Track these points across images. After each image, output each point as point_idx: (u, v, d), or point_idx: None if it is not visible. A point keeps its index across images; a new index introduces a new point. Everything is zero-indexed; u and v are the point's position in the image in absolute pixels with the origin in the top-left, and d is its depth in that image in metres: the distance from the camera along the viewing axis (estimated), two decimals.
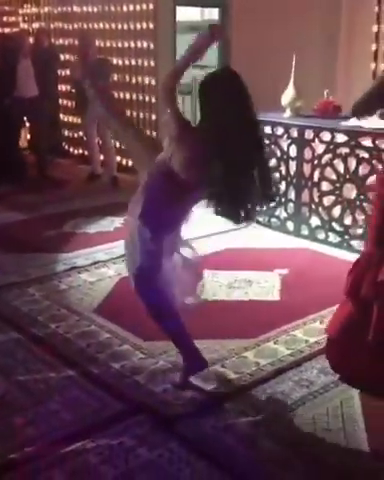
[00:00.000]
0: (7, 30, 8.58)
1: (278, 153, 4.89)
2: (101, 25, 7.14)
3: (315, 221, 4.77)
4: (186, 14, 13.39)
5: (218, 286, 4.01)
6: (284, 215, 4.95)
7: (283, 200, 4.93)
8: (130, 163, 7.11)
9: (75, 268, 4.32)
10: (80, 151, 7.73)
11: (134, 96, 6.97)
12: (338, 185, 4.56)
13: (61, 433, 2.62)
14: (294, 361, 3.14)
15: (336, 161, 4.55)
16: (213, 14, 13.67)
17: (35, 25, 8.05)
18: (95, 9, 7.20)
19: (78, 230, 5.15)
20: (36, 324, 3.55)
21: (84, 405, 2.80)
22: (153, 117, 6.89)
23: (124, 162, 7.15)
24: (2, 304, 3.82)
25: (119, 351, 3.26)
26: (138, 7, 6.76)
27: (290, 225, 4.93)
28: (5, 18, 8.72)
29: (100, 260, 4.46)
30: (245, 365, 3.11)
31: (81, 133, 7.45)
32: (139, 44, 6.81)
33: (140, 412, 2.75)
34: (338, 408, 2.76)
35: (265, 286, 4.00)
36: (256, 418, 2.70)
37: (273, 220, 5.04)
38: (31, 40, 7.18)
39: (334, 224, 4.66)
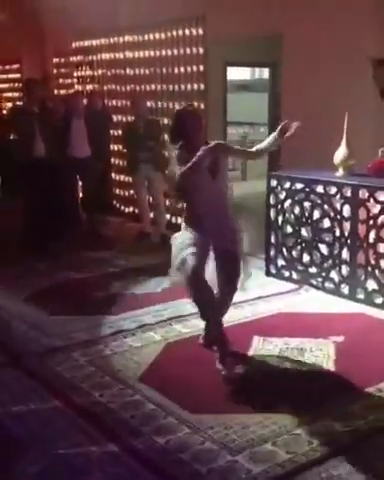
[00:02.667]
0: (63, 92, 8.88)
1: (331, 213, 4.74)
2: (153, 87, 7.26)
3: (371, 284, 4.55)
4: (237, 73, 13.73)
5: (269, 354, 3.81)
6: (338, 278, 4.75)
7: (337, 262, 4.74)
8: (179, 221, 7.09)
9: (121, 332, 4.21)
10: (131, 209, 7.76)
11: None
12: None
13: None
14: (351, 440, 2.90)
15: None
16: (263, 73, 13.94)
17: (89, 87, 8.27)
18: (147, 71, 7.34)
19: (125, 291, 5.07)
20: (79, 392, 3.43)
21: None
22: None
23: (173, 220, 7.11)
24: (45, 369, 3.72)
25: (164, 424, 3.09)
26: (189, 69, 6.85)
27: (345, 288, 4.72)
28: (61, 80, 9.03)
29: (146, 323, 4.34)
30: (297, 444, 2.89)
31: (132, 191, 7.49)
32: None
33: None
34: None
35: (319, 355, 3.77)
36: None
37: (327, 283, 4.84)
38: (85, 101, 7.34)
39: None
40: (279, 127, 3.69)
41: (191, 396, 3.37)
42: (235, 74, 13.40)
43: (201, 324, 4.06)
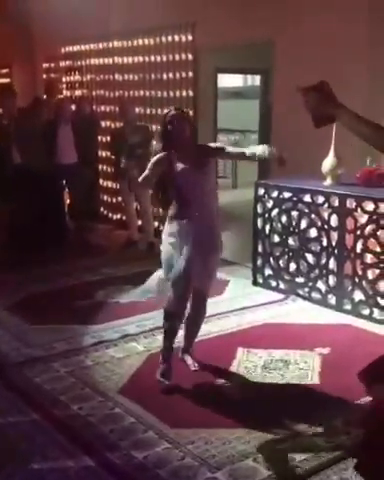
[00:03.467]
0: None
1: (318, 223, 4.68)
2: (142, 93, 7.21)
3: (358, 295, 4.49)
4: (229, 80, 13.70)
5: (252, 367, 3.74)
6: (325, 288, 4.69)
7: (324, 272, 4.68)
8: None
9: (103, 342, 4.13)
10: (118, 216, 7.69)
11: None
12: (383, 257, 4.30)
13: None
14: (335, 457, 2.83)
15: (380, 232, 4.31)
16: (255, 80, 13.90)
17: (78, 92, 8.21)
18: (136, 77, 7.29)
19: (110, 300, 4.99)
20: (58, 404, 3.36)
21: None
22: None
23: (161, 227, 7.04)
24: (24, 381, 3.64)
25: (143, 439, 3.02)
26: (178, 75, 6.80)
27: (332, 299, 4.66)
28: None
29: (129, 333, 4.26)
30: (280, 460, 2.82)
31: (120, 198, 7.42)
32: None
33: None
34: None
35: (303, 367, 3.71)
36: None
37: (314, 293, 4.78)
38: (73, 107, 7.28)
39: (379, 299, 4.37)
40: (276, 154, 3.55)
41: (171, 409, 3.31)
42: (227, 81, 13.38)
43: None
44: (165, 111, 3.64)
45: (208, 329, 4.30)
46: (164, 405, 3.34)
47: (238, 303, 4.84)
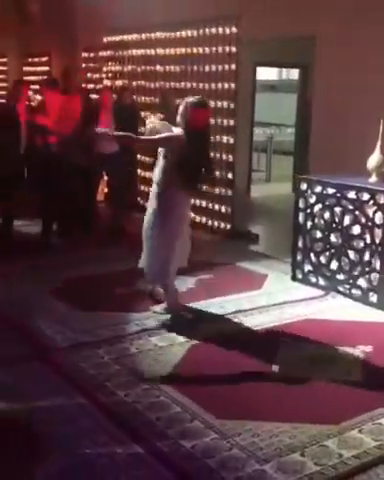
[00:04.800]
0: (91, 86, 8.86)
1: (363, 220, 4.66)
2: (182, 84, 7.21)
3: None
4: (264, 73, 13.67)
5: (295, 361, 3.76)
6: (367, 286, 4.67)
7: (366, 269, 4.67)
8: (205, 220, 7.05)
9: (146, 330, 4.18)
10: None
11: (212, 155, 6.92)
12: None
13: None
14: (382, 455, 2.84)
15: None
16: (291, 73, 13.85)
17: (118, 82, 8.24)
18: (177, 69, 7.30)
19: (149, 288, 5.02)
20: (104, 390, 3.40)
21: None
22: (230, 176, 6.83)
23: (198, 219, 7.07)
24: (70, 365, 3.69)
25: (190, 428, 3.05)
26: (220, 68, 6.79)
27: (373, 297, 4.64)
28: (90, 74, 9.02)
29: (172, 322, 4.30)
30: (327, 456, 2.83)
31: None
32: (219, 104, 6.80)
33: None
34: None
35: (347, 364, 3.71)
36: None
37: (354, 290, 4.77)
38: (114, 97, 7.31)
39: None
40: None
41: (216, 400, 3.33)
42: (262, 74, 13.35)
43: (228, 327, 4.04)
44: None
45: (249, 322, 4.33)
46: (208, 395, 3.37)
47: (277, 298, 4.84)
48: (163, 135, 4.23)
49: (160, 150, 4.28)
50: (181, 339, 4.06)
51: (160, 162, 4.28)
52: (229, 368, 3.67)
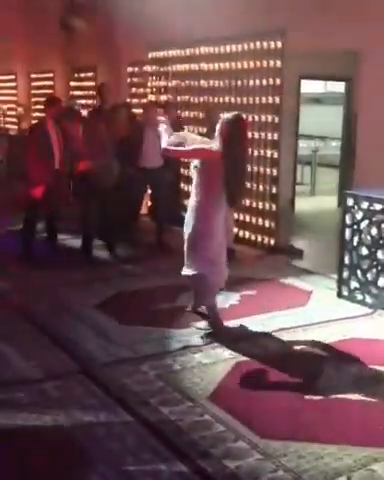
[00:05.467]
0: (135, 101, 8.96)
1: None
2: (227, 99, 7.23)
3: None
4: (308, 86, 13.58)
5: (342, 382, 3.69)
6: None
7: None
8: (248, 235, 7.02)
9: (189, 347, 4.17)
10: None
11: (256, 169, 6.91)
12: None
13: None
14: None
15: None
16: (336, 86, 13.72)
17: (163, 97, 8.32)
18: (221, 83, 7.32)
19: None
20: (148, 407, 3.40)
21: None
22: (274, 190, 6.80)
23: (241, 234, 7.05)
24: (115, 381, 3.71)
25: (234, 448, 3.03)
26: (264, 82, 6.78)
27: None
28: (134, 89, 9.12)
29: (215, 340, 4.27)
30: None
31: None
32: (263, 118, 6.79)
33: None
34: None
35: None
36: None
37: None
38: (160, 112, 7.37)
39: None
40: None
41: (261, 419, 3.30)
42: (307, 87, 13.25)
43: (272, 344, 4.02)
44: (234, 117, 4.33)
45: (293, 340, 4.28)
46: (253, 414, 3.34)
47: (322, 315, 4.78)
48: (194, 147, 4.29)
49: (195, 164, 4.35)
50: (225, 356, 4.04)
51: (194, 176, 4.36)
52: (273, 387, 3.64)
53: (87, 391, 3.59)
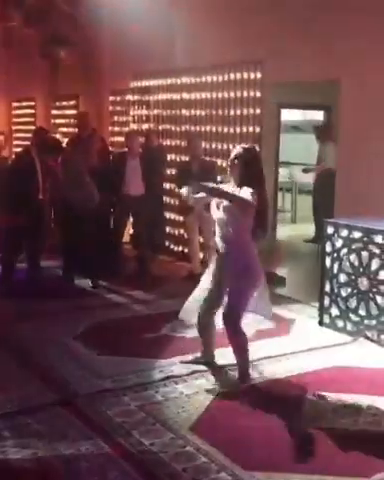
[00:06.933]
0: (117, 129, 9.03)
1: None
2: (208, 128, 7.32)
3: None
4: (286, 114, 13.79)
5: (322, 411, 3.69)
6: None
7: None
8: None
9: (172, 377, 4.15)
10: (181, 248, 7.76)
11: None
12: None
13: None
14: None
15: None
16: (315, 115, 13.96)
17: (144, 126, 8.39)
18: (203, 113, 7.42)
19: (176, 334, 5.00)
20: (130, 439, 3.37)
21: None
22: None
23: None
24: (97, 412, 3.67)
25: None
26: (245, 111, 6.89)
27: None
28: (116, 117, 9.20)
29: (198, 370, 4.25)
30: None
31: (182, 231, 7.50)
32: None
33: None
34: None
35: (377, 413, 3.63)
36: None
37: (383, 336, 4.70)
38: (142, 140, 7.43)
39: None
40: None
41: (244, 450, 3.28)
42: (285, 115, 13.45)
43: (255, 374, 4.04)
44: (240, 148, 4.08)
45: (274, 370, 4.28)
46: (235, 445, 3.32)
47: (304, 344, 4.79)
48: (248, 199, 3.84)
49: (224, 206, 3.97)
50: (207, 387, 4.02)
51: (224, 219, 3.98)
52: (256, 417, 3.62)
53: (68, 423, 3.55)
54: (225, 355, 4.30)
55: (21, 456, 3.21)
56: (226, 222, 3.99)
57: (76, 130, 9.29)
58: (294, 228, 9.96)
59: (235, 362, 4.13)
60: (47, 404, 3.77)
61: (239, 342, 4.07)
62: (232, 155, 4.05)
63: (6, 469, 3.11)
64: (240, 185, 3.96)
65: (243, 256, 4.00)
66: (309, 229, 8.82)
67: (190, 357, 4.43)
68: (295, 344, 4.77)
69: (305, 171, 9.74)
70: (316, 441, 3.37)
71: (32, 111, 11.84)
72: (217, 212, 4.05)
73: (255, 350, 4.57)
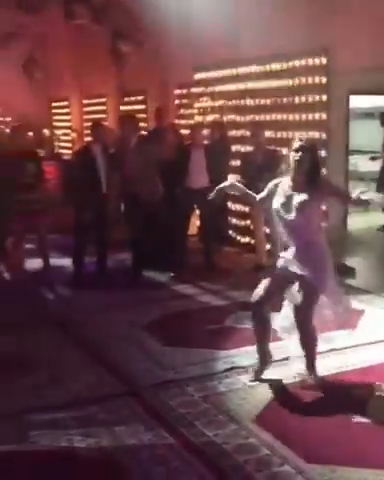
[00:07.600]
0: (184, 122, 9.05)
1: None
2: (273, 116, 7.21)
3: None
4: (359, 101, 13.38)
5: None
6: None
7: None
8: None
9: (235, 368, 4.12)
10: (247, 240, 7.69)
11: None
12: None
13: None
14: None
15: None
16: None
17: (209, 117, 8.36)
18: (267, 102, 7.31)
19: (240, 325, 4.95)
20: (193, 430, 3.38)
21: None
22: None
23: None
24: (160, 403, 3.71)
25: (279, 473, 2.97)
26: (310, 98, 6.74)
27: None
28: (182, 110, 9.21)
29: None
30: None
31: (249, 222, 7.43)
32: (311, 135, 6.72)
33: None
34: None
35: None
36: None
37: None
38: (206, 132, 7.40)
39: None
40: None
41: (307, 443, 3.23)
42: (358, 101, 13.03)
43: (321, 366, 3.95)
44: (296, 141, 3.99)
45: (341, 362, 4.17)
46: (299, 438, 3.27)
47: (375, 335, 4.64)
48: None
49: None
50: (272, 377, 3.97)
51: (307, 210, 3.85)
52: (320, 410, 3.55)
53: (132, 413, 3.60)
54: (289, 348, 4.23)
55: (86, 445, 3.28)
56: (297, 217, 3.85)
57: (145, 125, 9.49)
58: (368, 218, 9.65)
59: (301, 354, 4.05)
60: (113, 394, 3.84)
61: (309, 334, 3.95)
62: (295, 146, 3.91)
63: (71, 457, 3.18)
64: (306, 177, 3.86)
65: (314, 249, 3.90)
66: (381, 218, 8.55)
67: (253, 348, 4.36)
68: (364, 336, 4.63)
69: (373, 159, 9.46)
70: (380, 435, 3.27)
71: (103, 107, 12.04)
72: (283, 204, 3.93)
73: (323, 342, 4.48)
